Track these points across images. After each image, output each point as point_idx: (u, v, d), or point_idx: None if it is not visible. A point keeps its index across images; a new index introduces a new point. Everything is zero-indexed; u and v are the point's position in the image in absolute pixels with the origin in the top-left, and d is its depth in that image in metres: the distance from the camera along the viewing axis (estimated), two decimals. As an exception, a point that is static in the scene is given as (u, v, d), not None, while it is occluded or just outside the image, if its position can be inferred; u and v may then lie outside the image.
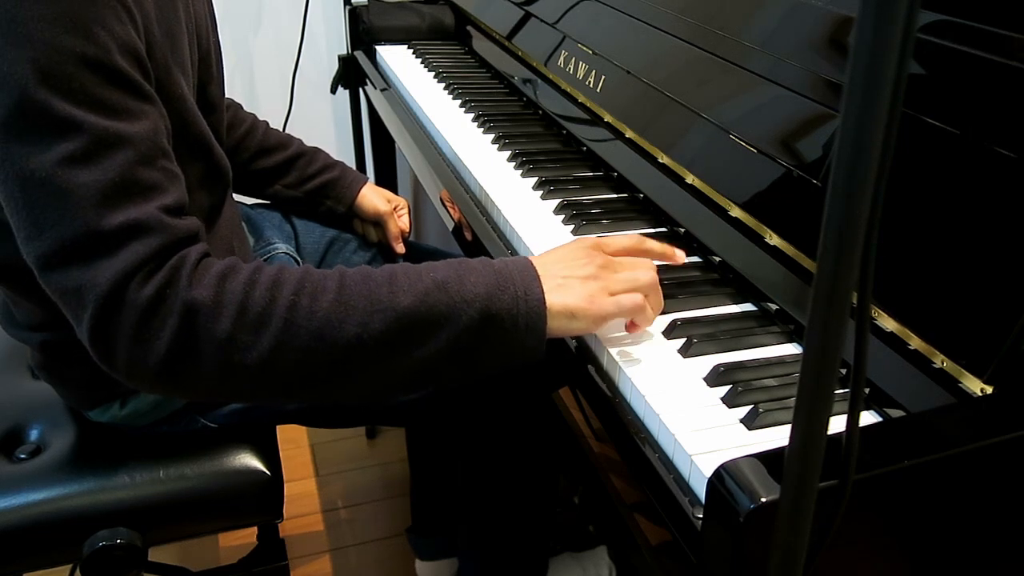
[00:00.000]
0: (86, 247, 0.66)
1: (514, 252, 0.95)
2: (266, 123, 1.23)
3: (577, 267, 0.74)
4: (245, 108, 1.26)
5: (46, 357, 0.91)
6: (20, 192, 0.66)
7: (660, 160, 0.98)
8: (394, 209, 1.23)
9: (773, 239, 0.79)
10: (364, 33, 1.69)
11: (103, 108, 0.66)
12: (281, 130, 1.26)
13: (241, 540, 1.53)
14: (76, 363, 0.89)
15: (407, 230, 1.25)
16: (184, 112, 0.80)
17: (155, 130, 0.70)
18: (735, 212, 0.84)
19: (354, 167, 1.92)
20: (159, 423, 0.94)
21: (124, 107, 0.68)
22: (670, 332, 0.76)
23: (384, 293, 0.70)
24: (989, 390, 0.58)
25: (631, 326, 0.75)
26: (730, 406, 0.67)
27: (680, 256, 0.82)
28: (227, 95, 1.07)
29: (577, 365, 0.78)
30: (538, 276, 0.73)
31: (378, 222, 1.23)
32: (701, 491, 0.59)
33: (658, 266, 0.85)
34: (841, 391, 0.64)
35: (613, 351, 0.74)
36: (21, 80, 0.63)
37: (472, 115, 1.29)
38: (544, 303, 0.72)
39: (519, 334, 0.71)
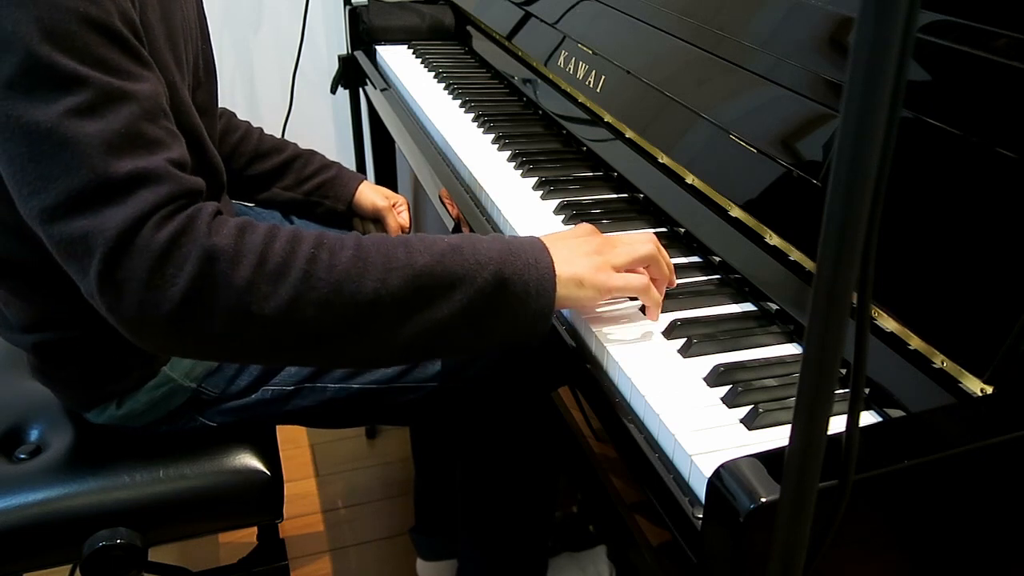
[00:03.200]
0: (94, 195, 0.65)
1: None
2: (260, 129, 1.23)
3: (581, 243, 0.78)
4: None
5: (40, 360, 0.91)
6: (25, 147, 0.66)
7: (660, 160, 0.98)
8: (392, 206, 1.23)
9: (773, 239, 0.79)
10: (364, 33, 1.69)
11: (105, 66, 0.67)
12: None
13: (241, 540, 1.52)
14: (69, 364, 0.89)
15: (407, 226, 1.25)
16: (176, 100, 0.80)
17: (156, 92, 0.71)
18: (735, 212, 0.84)
19: (354, 167, 1.92)
20: (158, 422, 0.94)
21: (125, 68, 0.69)
22: (670, 332, 0.76)
23: (401, 253, 0.71)
24: (989, 390, 0.58)
25: (648, 311, 0.78)
26: (730, 406, 0.67)
27: (673, 281, 0.81)
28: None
29: (577, 365, 0.78)
30: (546, 248, 0.76)
31: (377, 219, 1.24)
32: (701, 491, 0.59)
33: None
34: (841, 391, 0.64)
35: (613, 351, 0.74)
36: (26, 38, 0.64)
37: (472, 115, 1.29)
38: (553, 270, 0.74)
39: (530, 299, 0.73)
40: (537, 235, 0.79)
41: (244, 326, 0.68)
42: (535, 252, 0.75)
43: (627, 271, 0.77)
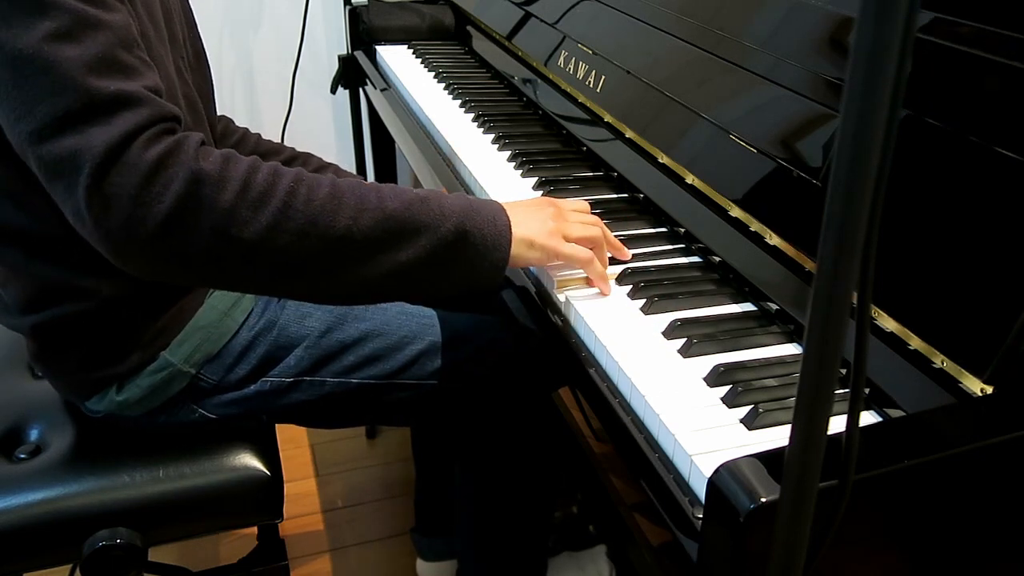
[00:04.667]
0: (79, 115, 0.67)
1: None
2: (258, 135, 1.24)
3: (537, 210, 0.85)
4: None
5: (39, 344, 0.90)
6: (8, 73, 0.67)
7: (660, 160, 0.98)
8: None
9: (773, 239, 0.79)
10: (364, 33, 1.69)
11: None
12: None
13: (241, 540, 1.52)
14: (69, 347, 0.88)
15: None
16: (155, 61, 0.81)
17: (128, 23, 0.73)
18: (735, 212, 0.84)
19: (354, 167, 1.92)
20: (156, 412, 0.94)
21: None
22: (670, 332, 0.76)
23: (373, 197, 0.76)
24: (989, 390, 0.58)
25: (591, 283, 0.84)
26: (730, 406, 0.67)
27: (627, 254, 0.89)
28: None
29: (577, 365, 0.78)
30: (504, 210, 0.82)
31: None
32: (701, 491, 0.59)
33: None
34: (841, 391, 0.64)
35: (613, 351, 0.74)
36: None
37: (472, 115, 1.29)
38: (509, 229, 0.81)
39: (487, 252, 0.79)
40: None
41: (223, 249, 0.71)
42: (494, 212, 0.81)
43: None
